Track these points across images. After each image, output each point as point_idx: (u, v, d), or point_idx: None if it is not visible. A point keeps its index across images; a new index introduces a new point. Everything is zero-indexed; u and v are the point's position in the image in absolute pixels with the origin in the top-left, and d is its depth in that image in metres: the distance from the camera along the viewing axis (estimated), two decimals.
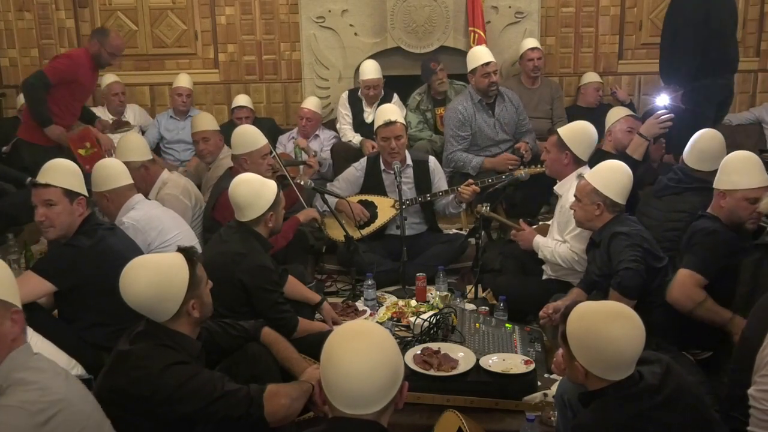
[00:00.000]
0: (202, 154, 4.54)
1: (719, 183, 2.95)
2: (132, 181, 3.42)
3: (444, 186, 4.35)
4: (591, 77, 5.72)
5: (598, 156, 3.65)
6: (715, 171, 3.31)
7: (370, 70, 5.27)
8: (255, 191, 2.99)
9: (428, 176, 4.30)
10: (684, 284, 2.80)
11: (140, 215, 3.31)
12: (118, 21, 5.89)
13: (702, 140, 3.37)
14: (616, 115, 4.11)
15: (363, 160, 4.41)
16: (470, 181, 4.17)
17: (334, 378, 1.60)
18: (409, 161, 4.25)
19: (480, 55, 4.76)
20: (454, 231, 4.69)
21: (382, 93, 5.38)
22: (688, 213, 3.22)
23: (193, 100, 5.72)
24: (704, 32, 4.24)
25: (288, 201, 4.04)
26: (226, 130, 5.40)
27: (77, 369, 2.50)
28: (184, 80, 5.61)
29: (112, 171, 3.36)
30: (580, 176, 3.29)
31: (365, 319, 3.57)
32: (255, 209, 2.98)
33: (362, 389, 1.58)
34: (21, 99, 5.06)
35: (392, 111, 4.25)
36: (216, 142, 4.49)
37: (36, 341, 2.42)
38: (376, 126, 4.21)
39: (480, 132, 4.76)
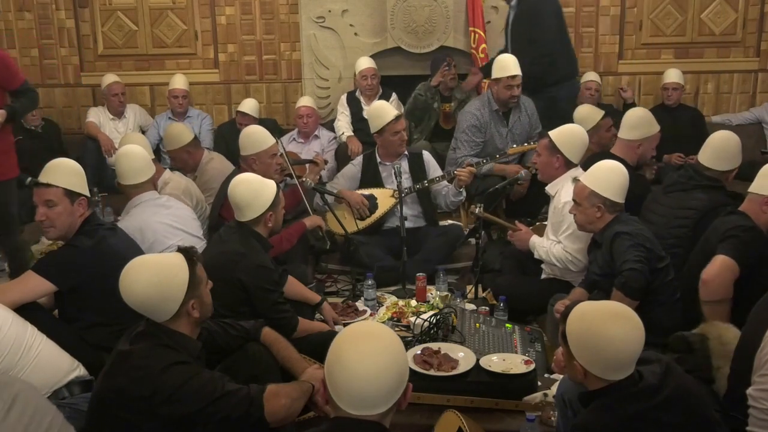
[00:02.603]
0: (181, 168, 4.51)
1: (764, 188, 2.82)
2: (142, 180, 3.44)
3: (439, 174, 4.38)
4: (584, 77, 5.68)
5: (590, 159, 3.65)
6: (730, 171, 3.30)
7: (365, 61, 5.44)
8: (254, 191, 2.99)
9: (423, 167, 4.36)
10: (723, 273, 2.72)
11: (130, 225, 3.30)
12: (118, 21, 5.90)
13: (717, 139, 3.33)
14: (590, 113, 4.35)
15: (359, 156, 4.50)
16: (467, 162, 4.19)
17: (343, 379, 1.60)
18: (404, 153, 4.35)
19: (508, 66, 4.52)
20: (450, 222, 4.67)
21: (380, 90, 5.42)
22: (695, 210, 3.21)
23: (190, 100, 5.71)
24: (564, 35, 4.53)
25: (293, 200, 4.05)
26: (227, 130, 5.44)
27: (80, 370, 2.49)
28: (179, 81, 5.59)
29: (122, 168, 3.44)
30: (576, 179, 3.26)
31: (365, 319, 3.57)
32: (254, 209, 2.98)
33: (370, 391, 1.59)
34: None
35: (393, 108, 4.40)
36: (183, 158, 4.44)
37: (39, 341, 2.42)
38: (385, 123, 4.19)
39: (491, 140, 4.67)
